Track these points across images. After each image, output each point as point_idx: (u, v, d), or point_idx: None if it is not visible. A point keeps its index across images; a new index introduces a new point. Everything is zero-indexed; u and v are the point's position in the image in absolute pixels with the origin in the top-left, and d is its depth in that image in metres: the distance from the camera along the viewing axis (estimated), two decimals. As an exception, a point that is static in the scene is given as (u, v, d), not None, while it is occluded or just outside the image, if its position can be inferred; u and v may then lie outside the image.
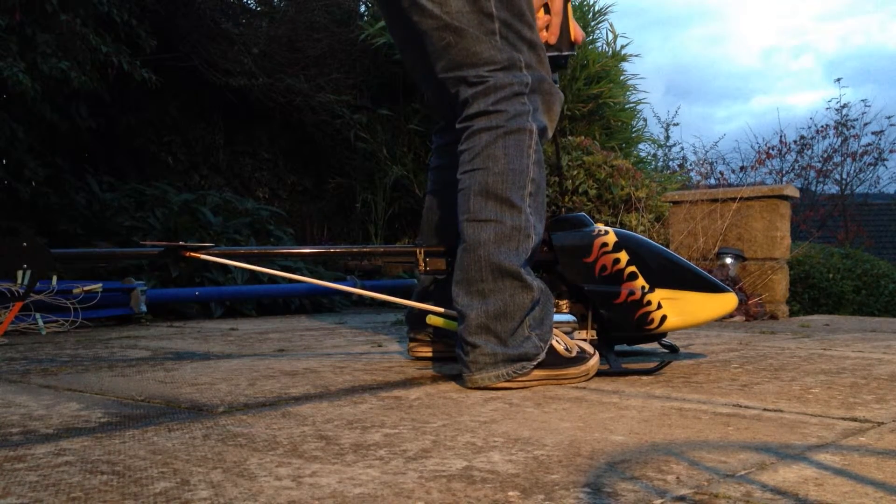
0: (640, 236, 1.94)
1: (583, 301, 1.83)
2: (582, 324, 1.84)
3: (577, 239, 1.84)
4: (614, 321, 1.81)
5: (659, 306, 1.80)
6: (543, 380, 1.60)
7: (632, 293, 1.80)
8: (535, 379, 1.59)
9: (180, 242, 1.75)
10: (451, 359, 1.93)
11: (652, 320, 1.80)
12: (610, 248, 1.82)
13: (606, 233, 1.84)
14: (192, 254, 1.71)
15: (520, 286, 1.57)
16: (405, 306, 1.88)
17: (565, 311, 1.83)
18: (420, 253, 1.81)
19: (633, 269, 1.81)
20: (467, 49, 1.61)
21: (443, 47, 1.63)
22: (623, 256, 1.81)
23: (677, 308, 1.82)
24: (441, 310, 1.74)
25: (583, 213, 1.98)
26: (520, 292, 1.57)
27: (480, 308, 1.56)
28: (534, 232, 1.62)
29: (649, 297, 1.80)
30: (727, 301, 1.88)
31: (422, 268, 1.81)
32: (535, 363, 1.58)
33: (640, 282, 1.81)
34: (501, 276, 1.56)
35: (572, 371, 1.63)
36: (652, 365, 1.84)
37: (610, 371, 1.75)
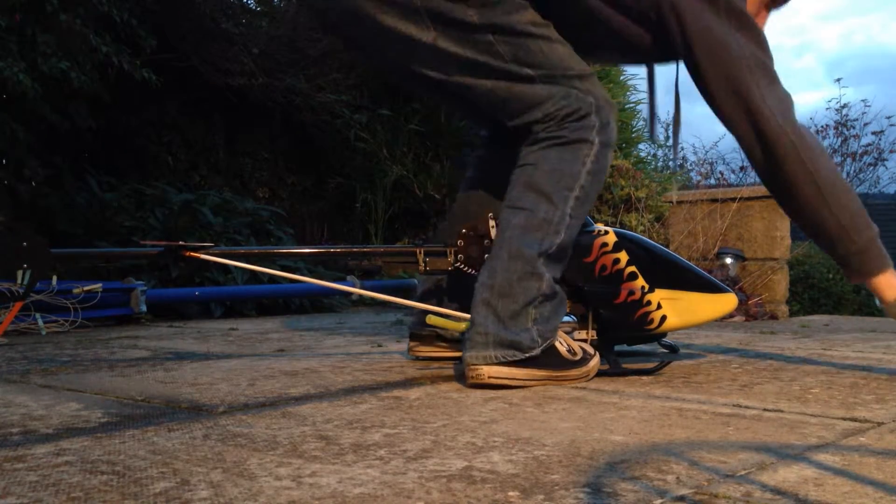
0: (640, 236, 1.94)
1: (583, 301, 1.83)
2: (582, 324, 1.84)
3: (577, 239, 1.83)
4: (614, 321, 1.81)
5: (659, 306, 1.80)
6: (544, 380, 1.60)
7: (632, 293, 1.80)
8: (535, 379, 1.59)
9: (180, 242, 1.75)
10: (451, 359, 1.93)
11: (652, 320, 1.80)
12: (610, 248, 1.82)
13: (606, 233, 1.84)
14: (192, 254, 1.71)
15: (529, 271, 1.59)
16: (406, 306, 1.88)
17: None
18: (420, 253, 1.81)
19: (632, 269, 1.81)
20: (521, 97, 1.66)
21: (500, 101, 1.67)
22: (623, 256, 1.81)
23: (677, 308, 1.82)
24: (441, 310, 1.74)
25: (583, 213, 1.98)
26: (527, 277, 1.59)
27: (488, 283, 1.60)
28: (565, 232, 1.63)
29: (649, 297, 1.80)
30: (727, 301, 1.88)
31: (422, 268, 1.81)
32: (526, 355, 1.58)
33: (640, 282, 1.81)
34: (515, 258, 1.60)
35: (573, 372, 1.64)
36: (652, 365, 1.84)
37: (610, 371, 1.75)
